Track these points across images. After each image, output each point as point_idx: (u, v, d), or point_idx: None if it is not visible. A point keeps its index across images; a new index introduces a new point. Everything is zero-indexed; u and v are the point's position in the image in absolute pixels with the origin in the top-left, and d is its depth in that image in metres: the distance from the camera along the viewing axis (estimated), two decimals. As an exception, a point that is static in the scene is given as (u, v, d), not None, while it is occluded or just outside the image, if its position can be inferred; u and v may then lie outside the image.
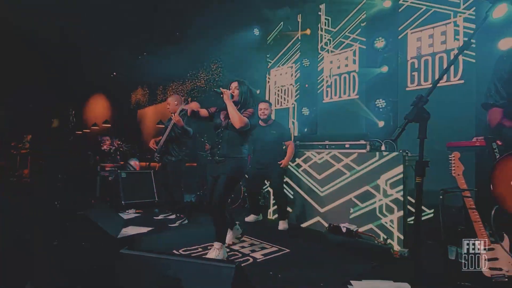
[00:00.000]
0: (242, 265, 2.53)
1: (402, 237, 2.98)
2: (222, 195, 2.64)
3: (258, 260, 2.67)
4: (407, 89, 4.26)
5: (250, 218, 4.15)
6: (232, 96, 2.71)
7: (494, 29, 3.46)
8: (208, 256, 2.59)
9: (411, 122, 1.07)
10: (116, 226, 3.00)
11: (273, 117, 4.02)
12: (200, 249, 2.90)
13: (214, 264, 1.48)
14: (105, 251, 2.36)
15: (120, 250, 1.58)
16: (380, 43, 4.86)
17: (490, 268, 2.04)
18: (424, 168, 1.11)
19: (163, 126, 4.34)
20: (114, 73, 11.50)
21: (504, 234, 2.03)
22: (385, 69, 4.91)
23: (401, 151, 3.13)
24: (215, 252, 2.61)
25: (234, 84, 2.79)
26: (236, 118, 2.59)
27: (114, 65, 10.73)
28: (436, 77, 3.97)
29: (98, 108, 12.48)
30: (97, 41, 8.50)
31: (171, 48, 8.42)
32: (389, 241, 3.01)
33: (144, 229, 3.60)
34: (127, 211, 4.55)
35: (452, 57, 3.86)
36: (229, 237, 3.06)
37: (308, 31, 5.78)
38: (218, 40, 6.86)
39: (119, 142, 5.66)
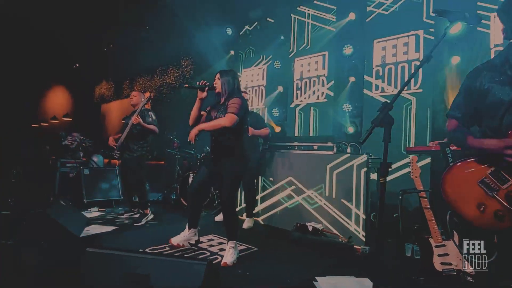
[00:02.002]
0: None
1: (364, 235, 3.14)
2: (230, 196, 2.58)
3: (226, 259, 2.68)
4: (372, 95, 4.50)
5: (220, 217, 4.14)
6: (215, 88, 2.61)
7: (448, 44, 3.78)
8: (225, 257, 2.53)
9: (377, 126, 1.16)
10: (78, 224, 2.86)
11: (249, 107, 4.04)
12: (167, 248, 2.85)
13: (185, 261, 1.48)
14: (66, 250, 2.25)
15: (86, 248, 1.53)
16: (348, 50, 5.08)
17: (441, 263, 2.23)
18: (387, 169, 1.20)
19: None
20: (77, 65, 10.91)
21: (454, 232, 2.22)
22: (352, 78, 5.11)
23: (365, 153, 3.30)
24: (231, 251, 2.55)
25: (217, 75, 2.66)
26: (221, 121, 2.45)
27: (77, 56, 10.18)
28: (398, 84, 4.23)
29: (58, 101, 11.75)
30: (58, 29, 8.04)
31: (139, 42, 8.16)
32: (351, 239, 3.16)
33: (108, 228, 3.47)
34: (89, 209, 4.35)
35: (412, 67, 4.15)
36: (182, 237, 2.83)
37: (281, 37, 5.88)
38: (190, 37, 6.77)
39: (81, 137, 5.39)
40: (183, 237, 2.81)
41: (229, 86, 2.60)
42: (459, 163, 1.41)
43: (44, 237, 2.31)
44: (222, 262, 2.53)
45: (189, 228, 2.82)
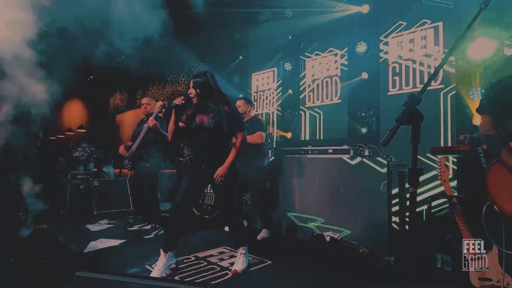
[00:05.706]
0: (220, 280, 2.35)
1: (387, 244, 2.88)
2: (232, 203, 2.58)
3: (238, 274, 2.49)
4: (389, 93, 4.24)
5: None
6: (192, 98, 2.42)
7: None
8: (236, 264, 2.55)
9: (403, 124, 0.95)
10: (81, 240, 2.74)
11: (252, 114, 3.77)
12: (174, 265, 2.68)
13: (184, 287, 1.30)
14: (63, 270, 2.11)
15: (75, 273, 1.37)
16: (361, 48, 4.80)
17: (479, 279, 1.96)
18: (418, 177, 0.98)
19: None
20: (91, 77, 11.09)
21: (494, 244, 1.95)
22: (365, 75, 4.83)
23: (384, 156, 3.06)
24: (242, 258, 2.56)
25: (190, 83, 2.43)
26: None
27: (91, 68, 10.35)
28: (417, 82, 3.96)
29: (74, 113, 11.96)
30: (73, 43, 8.17)
31: (150, 51, 8.17)
32: (373, 249, 2.90)
33: (115, 242, 3.35)
34: (99, 221, 4.26)
35: (432, 61, 3.87)
36: (161, 267, 2.36)
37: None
38: (200, 43, 6.69)
39: (92, 148, 5.34)
40: (162, 266, 2.36)
41: (205, 89, 2.42)
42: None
43: (43, 254, 2.19)
44: (232, 269, 2.52)
45: (166, 252, 2.40)
